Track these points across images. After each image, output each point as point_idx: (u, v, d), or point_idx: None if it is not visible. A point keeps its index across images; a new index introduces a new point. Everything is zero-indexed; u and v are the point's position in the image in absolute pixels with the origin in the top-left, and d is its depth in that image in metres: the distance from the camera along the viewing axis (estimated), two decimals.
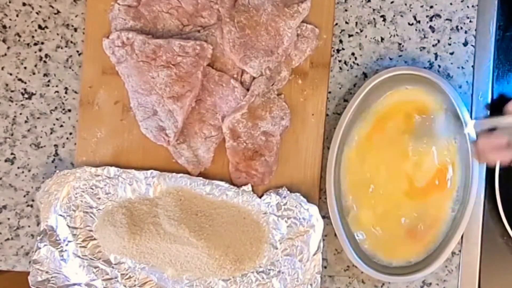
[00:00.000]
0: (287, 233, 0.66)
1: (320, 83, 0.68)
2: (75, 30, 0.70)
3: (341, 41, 0.69)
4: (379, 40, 0.69)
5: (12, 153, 0.70)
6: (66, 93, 0.70)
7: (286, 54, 0.66)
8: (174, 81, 0.65)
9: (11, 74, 0.70)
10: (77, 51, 0.70)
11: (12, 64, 0.70)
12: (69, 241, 0.66)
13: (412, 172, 0.66)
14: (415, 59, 0.68)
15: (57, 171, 0.68)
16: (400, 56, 0.69)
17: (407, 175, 0.66)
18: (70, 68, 0.70)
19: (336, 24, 0.69)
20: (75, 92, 0.70)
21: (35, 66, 0.70)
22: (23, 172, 0.70)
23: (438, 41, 0.68)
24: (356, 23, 0.69)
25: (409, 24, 0.69)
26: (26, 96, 0.70)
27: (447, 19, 0.68)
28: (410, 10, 0.68)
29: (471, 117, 0.65)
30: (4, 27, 0.70)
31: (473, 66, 0.68)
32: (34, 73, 0.70)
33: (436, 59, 0.68)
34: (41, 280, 0.66)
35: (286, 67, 0.67)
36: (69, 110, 0.70)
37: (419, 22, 0.68)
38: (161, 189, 0.67)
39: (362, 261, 0.65)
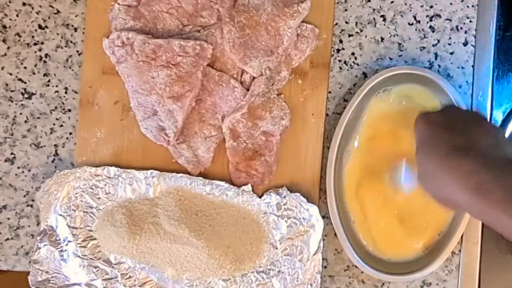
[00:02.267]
0: (287, 233, 0.66)
1: (320, 83, 0.68)
2: (75, 30, 0.70)
3: (341, 41, 0.69)
4: (379, 40, 0.69)
5: (12, 153, 0.70)
6: (66, 93, 0.70)
7: (286, 54, 0.66)
8: (174, 81, 0.65)
9: (11, 74, 0.70)
10: (77, 51, 0.70)
11: (12, 64, 0.70)
12: (69, 241, 0.66)
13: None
14: (415, 59, 0.68)
15: (57, 171, 0.68)
16: (400, 56, 0.69)
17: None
18: (70, 68, 0.70)
19: (336, 24, 0.69)
20: (75, 92, 0.70)
21: (35, 66, 0.70)
22: (23, 172, 0.70)
23: (438, 41, 0.68)
24: (356, 23, 0.69)
25: (409, 24, 0.69)
26: (26, 96, 0.70)
27: (447, 19, 0.68)
28: (410, 10, 0.69)
29: None
30: (4, 27, 0.70)
31: (473, 66, 0.68)
32: (34, 73, 0.70)
33: (436, 59, 0.68)
34: (41, 280, 0.66)
35: (286, 67, 0.67)
36: (69, 110, 0.70)
37: (419, 22, 0.69)
38: (161, 189, 0.67)
39: (362, 261, 0.65)
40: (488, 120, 0.62)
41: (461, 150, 0.50)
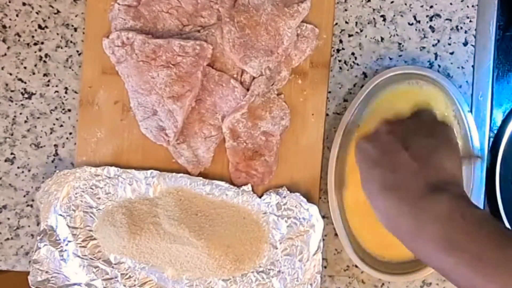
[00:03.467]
0: (287, 233, 0.66)
1: (320, 83, 0.68)
2: (75, 30, 0.70)
3: (341, 41, 0.69)
4: (379, 40, 0.69)
5: (12, 153, 0.70)
6: (66, 93, 0.70)
7: (286, 54, 0.66)
8: (174, 81, 0.65)
9: (11, 74, 0.70)
10: (77, 51, 0.70)
11: (12, 64, 0.70)
12: (69, 241, 0.66)
13: None
14: (415, 59, 0.68)
15: (57, 171, 0.68)
16: (400, 56, 0.69)
17: None
18: (70, 68, 0.70)
19: (336, 24, 0.69)
20: (75, 92, 0.70)
21: (35, 66, 0.70)
22: (23, 172, 0.70)
23: (438, 41, 0.68)
24: (356, 23, 0.69)
25: (409, 24, 0.69)
26: (26, 96, 0.70)
27: (447, 19, 0.68)
28: (410, 10, 0.68)
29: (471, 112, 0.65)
30: (4, 27, 0.70)
31: (473, 66, 0.68)
32: (34, 73, 0.70)
33: (436, 59, 0.68)
34: (41, 280, 0.66)
35: (286, 67, 0.67)
36: (69, 110, 0.70)
37: (419, 22, 0.68)
38: (161, 189, 0.67)
39: (362, 261, 0.65)
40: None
41: (385, 190, 0.53)
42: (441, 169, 0.53)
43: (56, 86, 0.70)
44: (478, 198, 0.66)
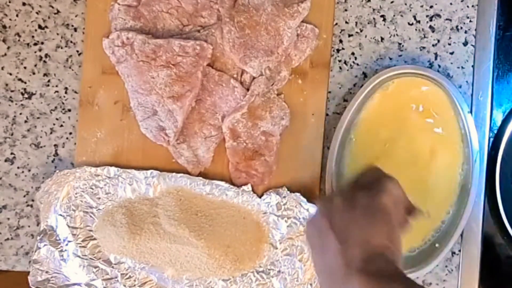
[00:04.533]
0: (287, 233, 0.66)
1: (320, 83, 0.68)
2: (75, 30, 0.70)
3: (341, 41, 0.69)
4: (379, 40, 0.69)
5: (12, 153, 0.70)
6: (66, 93, 0.70)
7: (286, 54, 0.66)
8: (174, 81, 0.65)
9: (11, 74, 0.70)
10: (77, 51, 0.70)
11: (12, 64, 0.70)
12: (69, 241, 0.66)
13: (413, 172, 0.66)
14: (415, 59, 0.68)
15: (57, 171, 0.68)
16: (400, 56, 0.69)
17: (407, 175, 0.66)
18: (70, 68, 0.70)
19: (336, 24, 0.69)
20: (75, 92, 0.70)
21: (35, 66, 0.70)
22: (23, 172, 0.70)
23: (438, 41, 0.68)
24: (356, 23, 0.69)
25: (409, 24, 0.69)
26: (26, 96, 0.70)
27: (447, 19, 0.68)
28: (410, 10, 0.68)
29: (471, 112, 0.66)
30: (4, 27, 0.70)
31: (473, 66, 0.68)
32: (34, 73, 0.70)
33: (436, 59, 0.68)
34: (41, 280, 0.66)
35: (286, 67, 0.67)
36: (69, 110, 0.70)
37: (419, 22, 0.68)
38: (161, 189, 0.67)
39: None
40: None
41: (318, 274, 0.54)
42: (364, 245, 0.51)
43: (56, 86, 0.70)
44: (478, 198, 0.67)
